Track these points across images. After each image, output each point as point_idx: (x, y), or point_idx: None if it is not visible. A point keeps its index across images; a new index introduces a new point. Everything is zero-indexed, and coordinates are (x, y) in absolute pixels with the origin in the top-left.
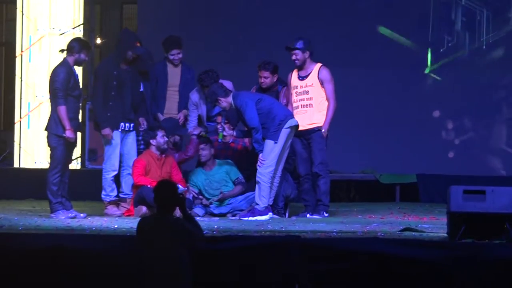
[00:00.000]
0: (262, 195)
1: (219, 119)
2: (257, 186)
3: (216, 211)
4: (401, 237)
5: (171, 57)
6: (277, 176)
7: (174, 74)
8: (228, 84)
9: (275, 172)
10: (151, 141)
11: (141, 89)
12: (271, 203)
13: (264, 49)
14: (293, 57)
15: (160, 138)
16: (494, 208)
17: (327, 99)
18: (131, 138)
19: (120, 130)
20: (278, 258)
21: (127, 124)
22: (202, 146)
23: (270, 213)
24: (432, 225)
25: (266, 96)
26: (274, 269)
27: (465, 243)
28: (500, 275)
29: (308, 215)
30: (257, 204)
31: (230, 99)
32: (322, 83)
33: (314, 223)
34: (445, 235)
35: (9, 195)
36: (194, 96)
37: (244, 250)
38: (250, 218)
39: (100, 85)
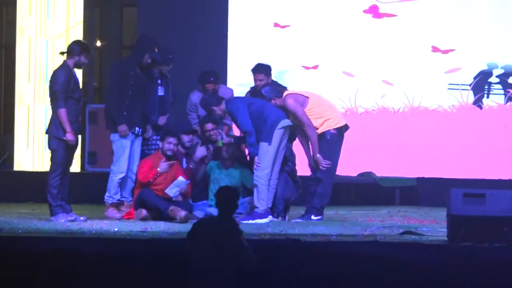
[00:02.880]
0: (261, 198)
1: (208, 126)
2: (255, 189)
3: (215, 214)
4: (401, 240)
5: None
6: (273, 178)
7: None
8: (229, 91)
9: (271, 174)
10: (158, 143)
11: (162, 94)
12: (270, 206)
13: (261, 53)
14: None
15: (167, 143)
16: (494, 211)
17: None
18: (137, 143)
19: (133, 132)
20: (277, 261)
21: (136, 128)
22: (225, 148)
23: (270, 216)
24: (432, 228)
25: (258, 100)
26: (274, 272)
27: (465, 246)
28: (499, 279)
29: (312, 217)
30: (256, 207)
31: (223, 106)
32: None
33: (314, 226)
34: (445, 238)
35: (9, 198)
36: (194, 96)
37: None
38: (250, 221)
39: (115, 83)
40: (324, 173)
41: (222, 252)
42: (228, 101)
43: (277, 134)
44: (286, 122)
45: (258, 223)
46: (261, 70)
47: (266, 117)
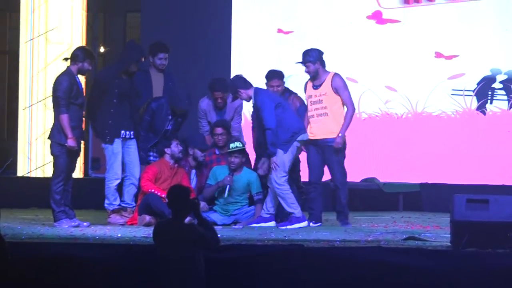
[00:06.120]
0: (291, 203)
1: (218, 130)
2: (280, 199)
3: (219, 222)
4: (404, 246)
5: (158, 62)
6: None
7: (157, 83)
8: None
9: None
10: (165, 149)
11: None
12: (273, 212)
13: (265, 58)
14: (306, 70)
15: (175, 147)
16: (497, 217)
17: (345, 105)
18: (133, 147)
19: (121, 138)
20: (281, 267)
21: (127, 132)
22: (235, 154)
23: (306, 221)
24: (436, 234)
25: (286, 104)
26: (278, 277)
27: (469, 252)
28: (503, 284)
29: (311, 224)
30: (292, 213)
31: (250, 92)
32: (336, 91)
33: (317, 232)
34: (449, 244)
35: (12, 204)
36: (204, 103)
37: (248, 259)
38: (289, 227)
39: (96, 91)
40: (341, 180)
41: (182, 246)
42: (258, 92)
43: (294, 146)
44: (305, 136)
45: (297, 228)
46: (277, 76)
47: (289, 126)
